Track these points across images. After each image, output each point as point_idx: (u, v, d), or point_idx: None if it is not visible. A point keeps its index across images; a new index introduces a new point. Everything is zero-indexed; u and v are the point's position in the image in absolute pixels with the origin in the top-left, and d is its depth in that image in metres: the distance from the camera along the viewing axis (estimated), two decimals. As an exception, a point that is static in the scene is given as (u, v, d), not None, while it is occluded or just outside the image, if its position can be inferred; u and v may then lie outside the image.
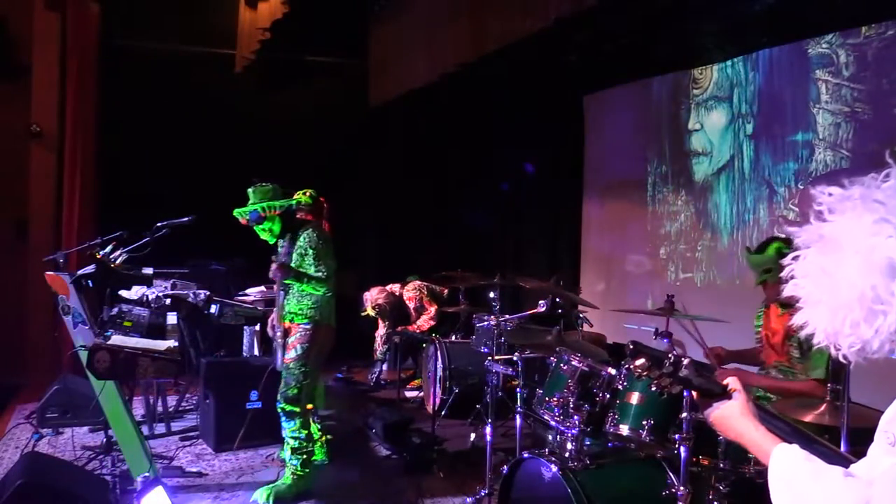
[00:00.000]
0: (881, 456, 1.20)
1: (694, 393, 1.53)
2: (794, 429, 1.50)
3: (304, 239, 3.93)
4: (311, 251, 3.89)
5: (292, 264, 3.91)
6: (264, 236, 4.04)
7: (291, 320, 3.99)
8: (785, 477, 1.28)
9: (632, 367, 1.53)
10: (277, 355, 4.00)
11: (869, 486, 1.17)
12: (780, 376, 3.27)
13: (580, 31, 5.54)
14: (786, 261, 1.31)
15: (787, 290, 1.30)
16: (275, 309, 4.10)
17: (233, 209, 3.99)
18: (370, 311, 6.54)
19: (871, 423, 1.28)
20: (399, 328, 6.45)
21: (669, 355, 1.53)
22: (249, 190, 4.00)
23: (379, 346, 6.65)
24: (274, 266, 3.81)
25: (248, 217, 3.96)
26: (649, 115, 6.53)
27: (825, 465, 1.25)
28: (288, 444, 3.95)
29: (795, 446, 1.32)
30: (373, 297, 6.54)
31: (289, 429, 3.92)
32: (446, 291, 6.61)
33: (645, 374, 1.56)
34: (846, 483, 1.19)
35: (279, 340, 3.98)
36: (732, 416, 1.46)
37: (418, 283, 6.57)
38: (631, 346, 1.56)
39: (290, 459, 3.95)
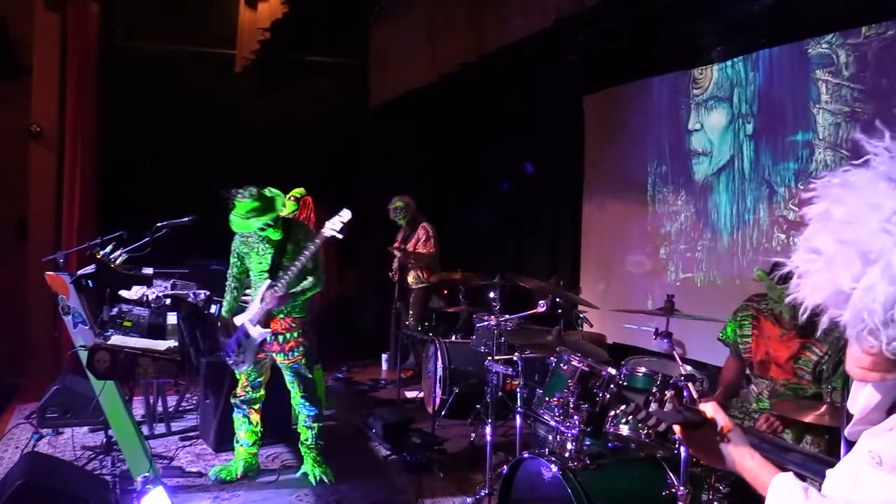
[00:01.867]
0: (864, 476, 1.18)
1: (677, 427, 1.48)
2: (771, 441, 1.48)
3: (310, 245, 3.90)
4: (315, 261, 3.95)
5: (295, 267, 3.90)
6: (268, 233, 3.98)
7: (288, 314, 4.03)
8: None
9: (618, 413, 1.50)
10: (246, 356, 4.01)
11: None
12: (790, 393, 3.26)
13: (580, 31, 5.53)
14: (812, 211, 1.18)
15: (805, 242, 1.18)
16: (252, 310, 4.04)
17: (232, 210, 3.96)
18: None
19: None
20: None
21: (653, 390, 1.49)
22: (244, 200, 3.83)
23: (412, 320, 6.66)
24: (276, 297, 3.83)
25: (259, 227, 3.88)
26: (649, 115, 6.53)
27: (825, 501, 1.22)
28: (311, 429, 4.14)
29: (790, 475, 1.30)
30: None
31: (313, 415, 4.12)
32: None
33: (630, 417, 1.53)
34: None
35: (256, 339, 3.98)
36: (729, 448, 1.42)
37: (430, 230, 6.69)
38: (615, 391, 1.53)
39: (318, 442, 4.17)
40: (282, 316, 4.03)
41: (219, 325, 4.12)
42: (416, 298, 6.76)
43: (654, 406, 1.47)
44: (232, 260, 4.17)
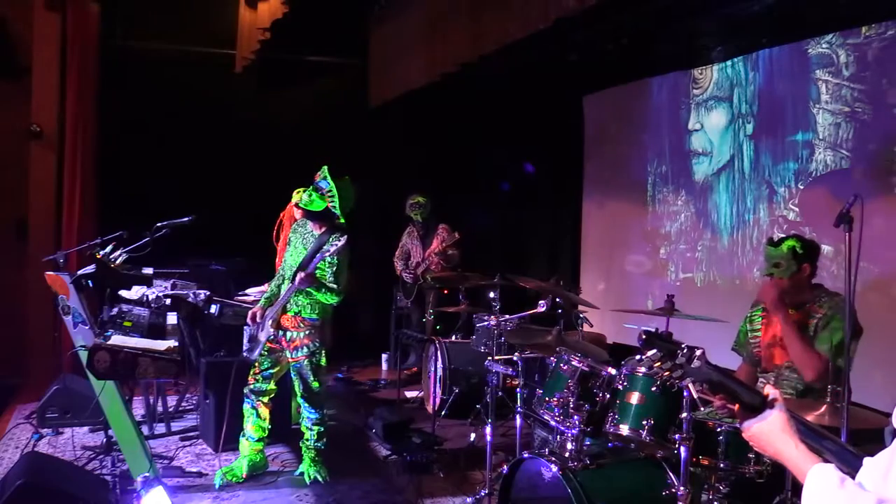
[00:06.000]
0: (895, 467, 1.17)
1: (692, 387, 1.49)
2: (809, 425, 1.46)
3: (333, 245, 3.96)
4: (335, 262, 3.98)
5: (316, 263, 3.98)
6: (310, 206, 4.05)
7: (298, 313, 4.05)
8: (816, 501, 1.26)
9: (643, 357, 1.49)
10: (258, 345, 4.08)
11: None
12: (794, 376, 3.26)
13: (580, 31, 5.53)
14: None
15: None
16: (273, 302, 4.14)
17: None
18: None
19: (871, 425, 1.27)
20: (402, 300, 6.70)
21: (682, 346, 1.49)
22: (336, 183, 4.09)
23: (432, 318, 6.66)
24: (302, 275, 3.87)
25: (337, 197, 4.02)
26: (649, 115, 6.54)
27: (859, 493, 1.22)
28: (311, 430, 4.12)
29: (831, 467, 1.28)
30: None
31: (315, 418, 4.10)
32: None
33: (657, 364, 1.51)
34: None
35: (268, 333, 4.03)
36: (774, 433, 1.39)
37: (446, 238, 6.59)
38: (643, 336, 1.51)
39: (315, 443, 4.13)
40: (292, 313, 4.06)
41: (249, 315, 4.18)
42: (435, 298, 6.74)
43: (682, 358, 1.46)
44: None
